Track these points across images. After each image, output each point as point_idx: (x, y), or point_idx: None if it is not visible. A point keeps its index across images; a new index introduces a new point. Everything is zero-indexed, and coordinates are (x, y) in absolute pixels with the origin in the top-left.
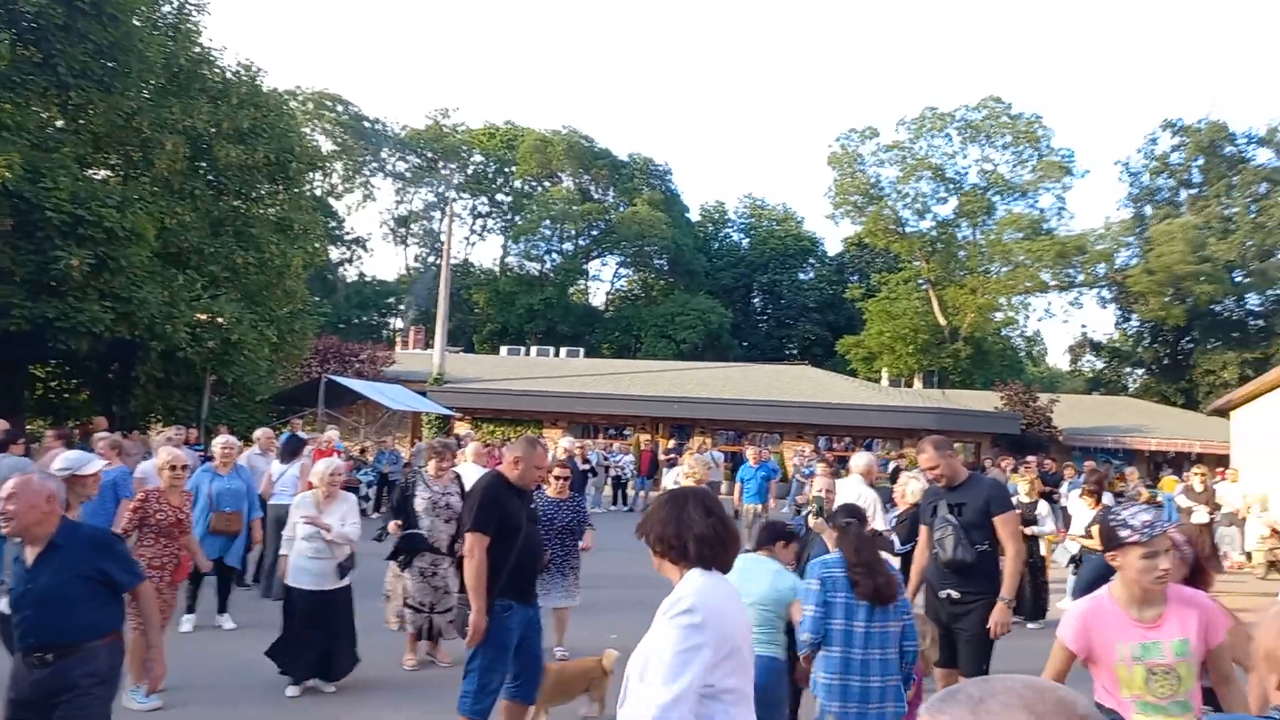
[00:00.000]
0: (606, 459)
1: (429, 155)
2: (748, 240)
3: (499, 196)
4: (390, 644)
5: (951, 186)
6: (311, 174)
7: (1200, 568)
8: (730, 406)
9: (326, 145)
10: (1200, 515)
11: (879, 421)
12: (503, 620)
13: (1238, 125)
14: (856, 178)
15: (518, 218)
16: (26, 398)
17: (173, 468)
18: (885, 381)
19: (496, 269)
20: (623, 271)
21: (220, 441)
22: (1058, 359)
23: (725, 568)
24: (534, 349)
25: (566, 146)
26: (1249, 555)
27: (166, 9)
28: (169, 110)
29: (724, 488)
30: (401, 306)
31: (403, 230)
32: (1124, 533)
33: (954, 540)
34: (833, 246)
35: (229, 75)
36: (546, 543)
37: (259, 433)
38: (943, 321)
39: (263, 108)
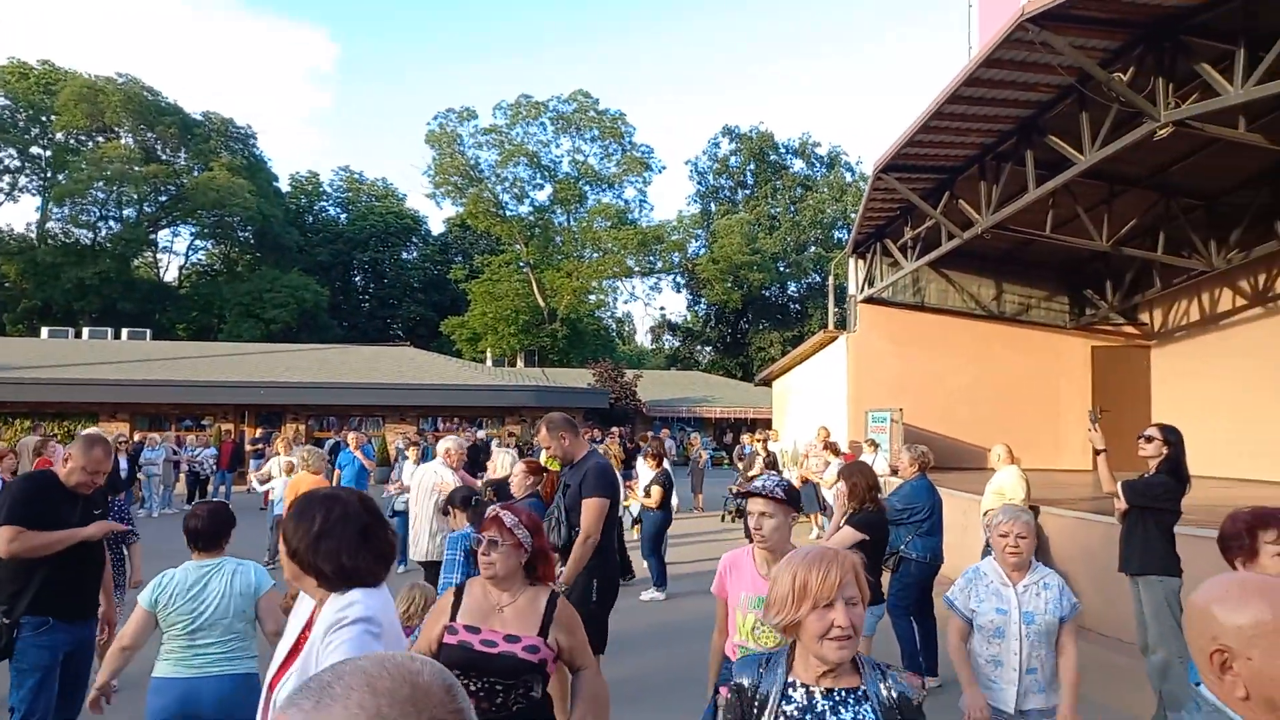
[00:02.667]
0: (176, 453)
1: None
2: (346, 215)
3: (34, 150)
4: None
5: (547, 174)
6: None
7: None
8: (327, 390)
9: None
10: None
11: (484, 401)
12: (35, 640)
13: (781, 135)
14: (455, 158)
15: (60, 176)
16: None
17: None
18: (489, 361)
19: (34, 235)
20: (200, 244)
21: None
22: (643, 338)
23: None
24: (86, 330)
25: (124, 97)
26: None
27: None
28: None
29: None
30: None
31: None
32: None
33: (552, 522)
34: (436, 226)
35: None
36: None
37: None
38: (542, 303)
39: None
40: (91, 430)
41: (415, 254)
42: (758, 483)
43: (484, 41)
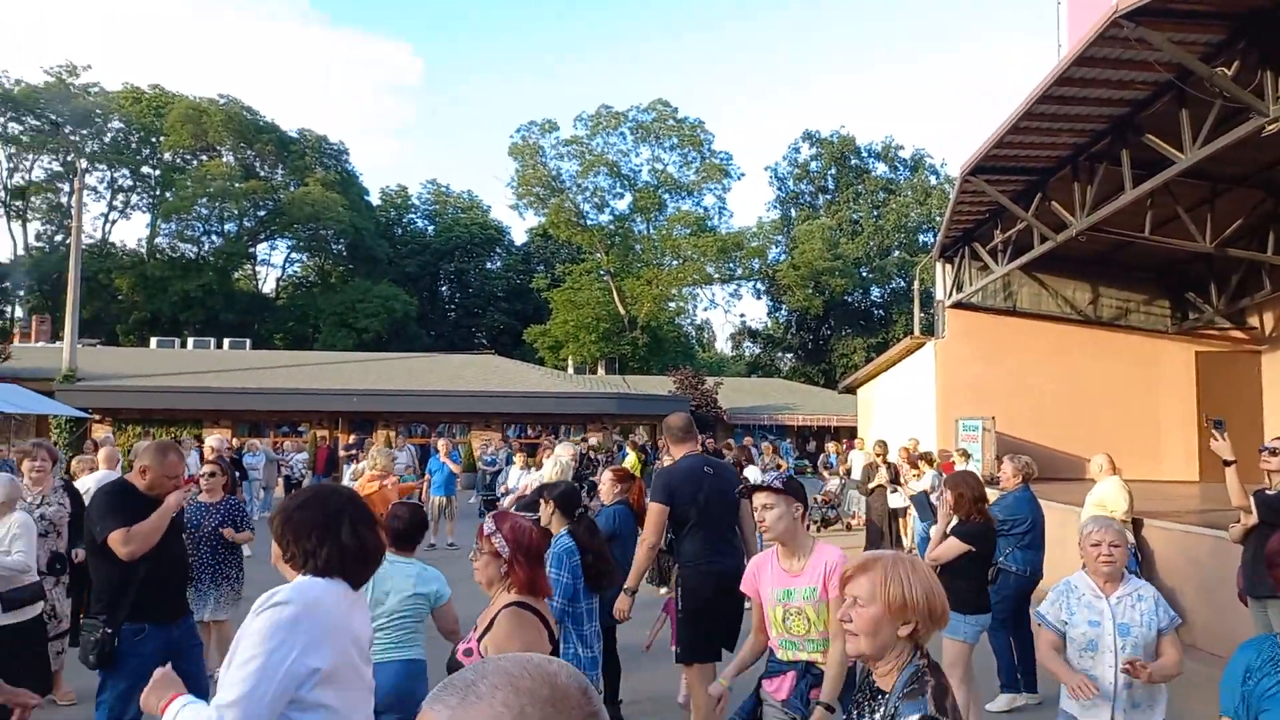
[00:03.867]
0: (278, 457)
1: (52, 118)
2: (433, 227)
3: (145, 169)
4: None
5: (627, 183)
6: None
7: None
8: (416, 398)
9: None
10: (834, 481)
11: (566, 408)
12: (134, 646)
13: (862, 139)
14: (538, 169)
15: (168, 194)
16: None
17: None
18: (571, 369)
19: (143, 251)
20: (296, 256)
21: None
22: (723, 345)
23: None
24: (191, 340)
25: (225, 117)
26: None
27: None
28: None
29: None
30: (20, 293)
31: (20, 203)
32: None
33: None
34: (519, 236)
35: None
36: (194, 553)
37: None
38: (622, 311)
39: None
40: (161, 440)
41: (499, 264)
42: (762, 477)
43: (565, 53)
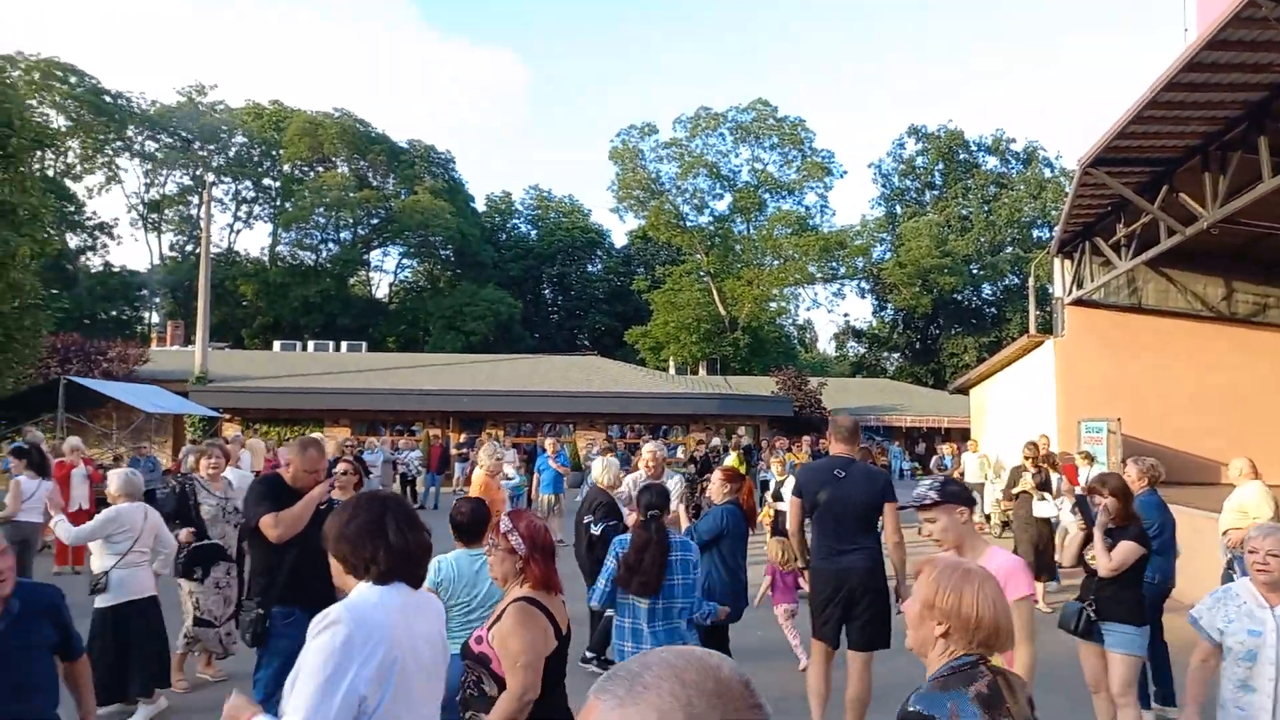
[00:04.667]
0: (393, 456)
1: (183, 135)
2: (535, 232)
3: (266, 181)
4: None
5: (726, 184)
6: (40, 152)
7: None
8: (522, 398)
9: (58, 120)
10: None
11: (668, 409)
12: (285, 629)
13: (971, 133)
14: (637, 173)
15: (287, 204)
16: None
17: None
18: (672, 370)
19: (266, 259)
20: (406, 262)
21: None
22: (826, 345)
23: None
24: (311, 343)
25: (339, 130)
26: (987, 517)
27: None
28: None
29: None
30: (156, 300)
31: (155, 216)
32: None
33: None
34: (619, 239)
35: None
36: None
37: None
38: (723, 312)
39: None
40: (305, 436)
41: (600, 267)
42: (914, 494)
43: (663, 56)
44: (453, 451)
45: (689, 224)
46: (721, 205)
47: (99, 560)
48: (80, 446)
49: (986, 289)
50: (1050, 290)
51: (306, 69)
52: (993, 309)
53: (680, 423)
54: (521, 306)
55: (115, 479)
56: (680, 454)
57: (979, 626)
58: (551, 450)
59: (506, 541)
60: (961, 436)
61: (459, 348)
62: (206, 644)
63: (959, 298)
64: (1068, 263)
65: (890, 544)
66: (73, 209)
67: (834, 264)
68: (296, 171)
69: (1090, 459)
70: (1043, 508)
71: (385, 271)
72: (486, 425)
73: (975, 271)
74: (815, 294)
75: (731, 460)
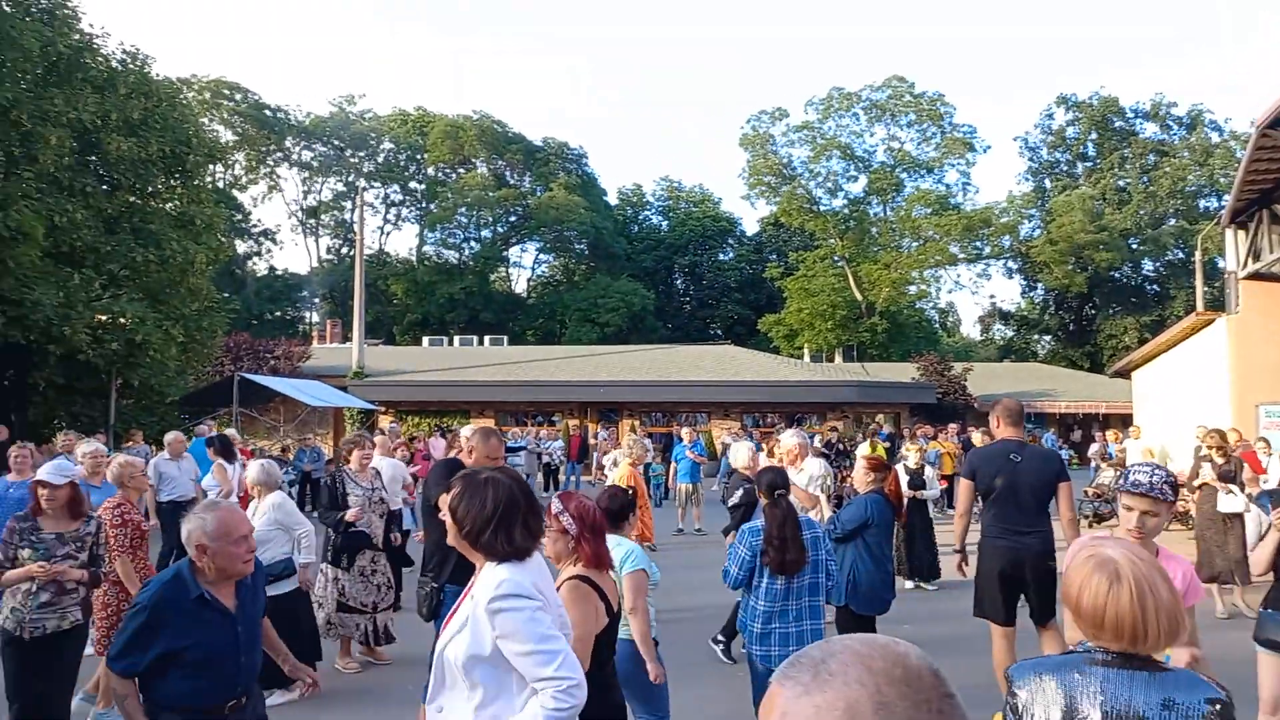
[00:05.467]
0: (537, 445)
1: (336, 143)
2: (666, 222)
3: (412, 184)
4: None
5: (861, 165)
6: (211, 166)
7: None
8: (656, 388)
9: (226, 135)
10: (1108, 474)
11: (803, 397)
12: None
13: (1126, 100)
14: (769, 159)
15: (432, 205)
16: None
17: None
18: (807, 357)
19: (413, 258)
20: (543, 257)
21: (86, 450)
22: (970, 329)
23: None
24: (457, 338)
25: (479, 132)
26: None
27: None
28: (50, 102)
29: (655, 468)
30: (316, 300)
31: (313, 221)
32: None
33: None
34: (750, 226)
35: (114, 63)
36: None
37: (169, 437)
38: (859, 297)
39: (154, 97)
40: (485, 425)
41: (731, 255)
42: (1133, 480)
43: (794, 37)
44: (591, 441)
45: (822, 208)
46: (856, 187)
47: (274, 548)
48: (238, 438)
49: (1147, 265)
50: (1221, 264)
51: (448, 75)
52: (1155, 286)
53: (817, 411)
54: (654, 297)
55: (255, 469)
56: (817, 442)
57: (1095, 618)
58: (688, 439)
59: (558, 522)
60: (1121, 423)
61: (594, 340)
62: (346, 631)
63: (1117, 275)
64: (1241, 233)
65: (1065, 520)
66: (240, 217)
67: (978, 244)
68: (440, 174)
69: (1269, 446)
70: (1230, 502)
71: (523, 267)
72: (622, 415)
73: (1135, 246)
74: (958, 276)
75: (867, 449)
